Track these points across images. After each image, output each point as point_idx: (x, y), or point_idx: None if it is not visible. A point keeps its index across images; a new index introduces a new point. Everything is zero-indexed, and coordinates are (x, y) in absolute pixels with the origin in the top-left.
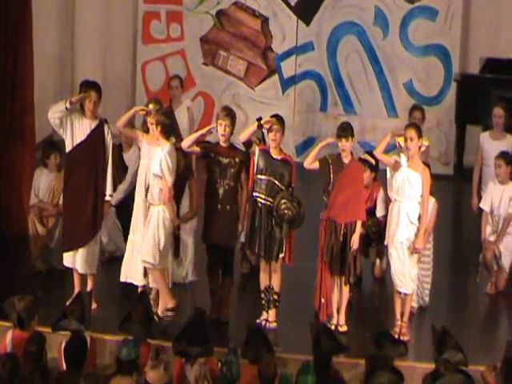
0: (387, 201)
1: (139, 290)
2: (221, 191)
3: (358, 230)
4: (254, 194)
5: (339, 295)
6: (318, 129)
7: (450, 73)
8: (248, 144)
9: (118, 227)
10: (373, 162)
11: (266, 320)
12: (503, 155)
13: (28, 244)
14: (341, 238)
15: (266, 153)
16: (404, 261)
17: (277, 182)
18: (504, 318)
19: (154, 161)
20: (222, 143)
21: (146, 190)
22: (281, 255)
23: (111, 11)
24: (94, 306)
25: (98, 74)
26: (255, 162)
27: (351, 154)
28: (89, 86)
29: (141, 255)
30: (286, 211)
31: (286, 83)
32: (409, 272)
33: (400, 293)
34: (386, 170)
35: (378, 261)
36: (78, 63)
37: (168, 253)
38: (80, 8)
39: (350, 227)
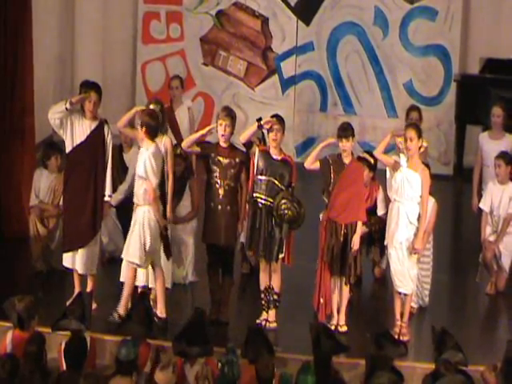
0: (387, 200)
1: (139, 290)
2: (221, 191)
3: (359, 230)
4: (254, 194)
5: (339, 295)
6: (318, 129)
7: (450, 73)
8: (248, 144)
9: (118, 228)
10: (371, 160)
11: (266, 320)
12: (503, 155)
13: (28, 244)
14: (341, 239)
15: (265, 153)
16: (403, 261)
17: (277, 183)
18: (504, 318)
19: (139, 162)
20: (222, 143)
21: None
22: (281, 255)
23: (111, 11)
24: (94, 306)
25: (98, 74)
26: (255, 162)
27: (352, 154)
28: (89, 86)
29: (127, 256)
30: (285, 211)
31: (286, 83)
32: (408, 272)
33: (400, 293)
34: (385, 170)
35: (381, 259)
36: (78, 63)
37: (155, 253)
38: (80, 8)
39: (350, 228)
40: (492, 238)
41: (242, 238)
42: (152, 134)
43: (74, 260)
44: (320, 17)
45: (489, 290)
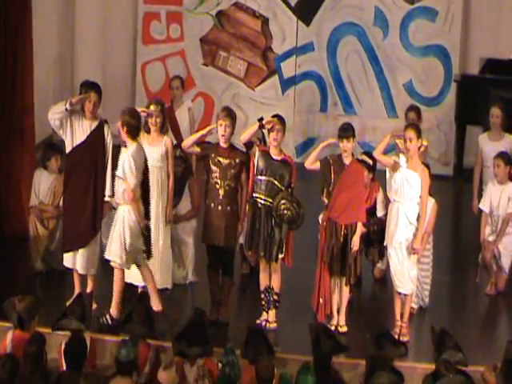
0: (387, 201)
1: (139, 290)
2: (221, 192)
3: (359, 231)
4: (254, 194)
5: (339, 296)
6: (318, 129)
7: (450, 73)
8: (249, 144)
9: None
10: (370, 162)
11: (266, 320)
12: (502, 155)
13: (28, 244)
14: (341, 239)
15: (265, 153)
16: (403, 261)
17: (276, 183)
18: (504, 318)
19: (119, 161)
20: (222, 144)
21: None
22: (280, 256)
23: (111, 11)
24: (94, 306)
25: (98, 74)
26: (255, 162)
27: (352, 154)
28: (89, 86)
29: (108, 255)
30: (285, 211)
31: (286, 84)
32: (408, 272)
33: (400, 293)
34: (385, 171)
35: (378, 261)
36: (78, 63)
37: (138, 253)
38: (80, 8)
39: (350, 228)
40: (491, 238)
41: (241, 240)
42: (133, 134)
43: (75, 260)
44: (320, 17)
45: (489, 290)
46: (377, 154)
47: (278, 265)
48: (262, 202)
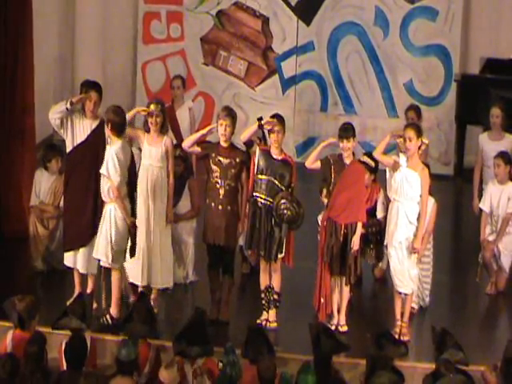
0: (387, 202)
1: (139, 290)
2: (221, 191)
3: (359, 230)
4: (254, 194)
5: (340, 295)
6: (319, 129)
7: (451, 73)
8: (249, 144)
9: None
10: (372, 164)
11: (267, 320)
12: (502, 155)
13: (28, 244)
14: (341, 239)
15: (266, 153)
16: (403, 261)
17: (277, 183)
18: (504, 318)
19: (105, 159)
20: (222, 143)
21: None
22: (280, 255)
23: (111, 11)
24: (94, 306)
25: (98, 74)
26: (255, 162)
27: (353, 154)
28: (89, 86)
29: (96, 253)
30: (285, 211)
31: (287, 83)
32: (408, 272)
33: (400, 293)
34: (385, 171)
35: (376, 262)
36: (78, 63)
37: (124, 252)
38: (80, 8)
39: (350, 228)
40: (491, 238)
41: (241, 242)
42: (117, 131)
43: (76, 259)
44: (320, 17)
45: (489, 290)
46: (377, 153)
47: (278, 264)
48: (263, 201)
